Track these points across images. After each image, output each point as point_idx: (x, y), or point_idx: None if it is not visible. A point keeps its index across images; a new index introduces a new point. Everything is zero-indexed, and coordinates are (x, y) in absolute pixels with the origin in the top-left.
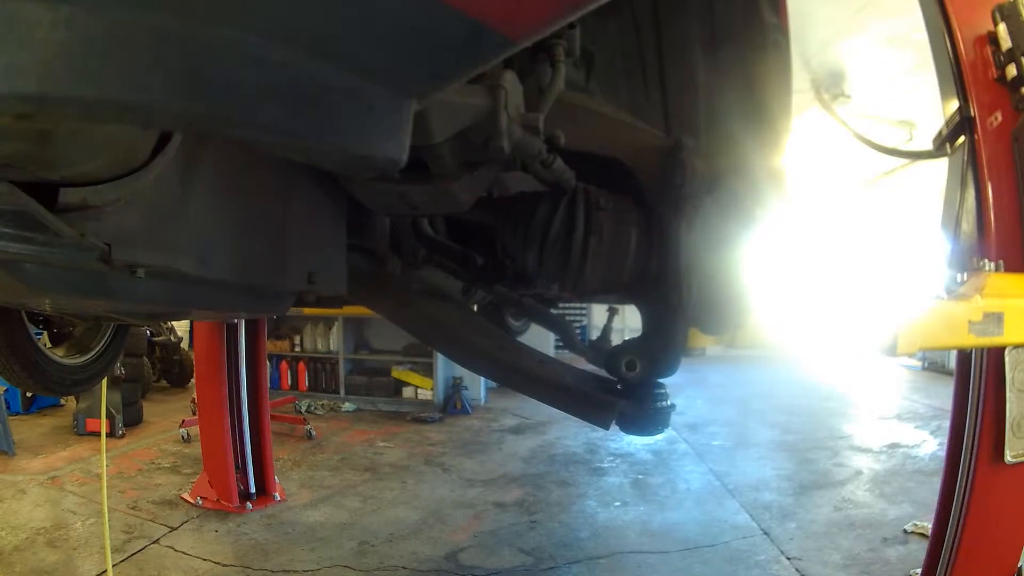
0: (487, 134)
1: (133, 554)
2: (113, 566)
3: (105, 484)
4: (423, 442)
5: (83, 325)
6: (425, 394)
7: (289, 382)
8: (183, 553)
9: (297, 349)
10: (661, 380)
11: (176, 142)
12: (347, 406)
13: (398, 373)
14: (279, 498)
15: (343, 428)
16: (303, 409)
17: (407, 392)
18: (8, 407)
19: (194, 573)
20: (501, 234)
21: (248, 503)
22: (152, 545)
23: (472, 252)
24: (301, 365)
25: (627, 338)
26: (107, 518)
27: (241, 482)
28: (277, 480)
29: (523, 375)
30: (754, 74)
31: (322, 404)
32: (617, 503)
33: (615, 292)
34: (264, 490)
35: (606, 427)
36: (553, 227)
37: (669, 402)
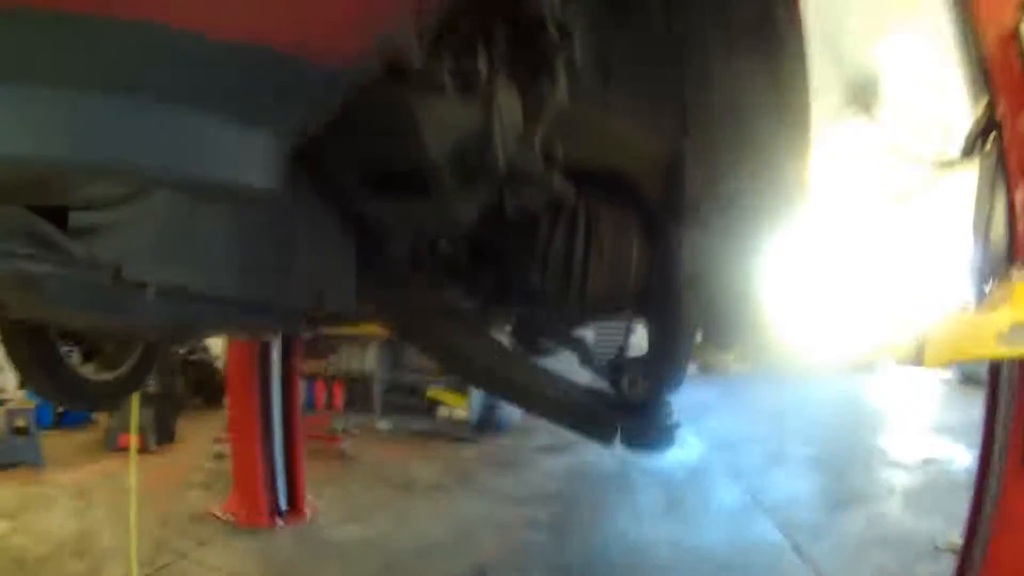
0: (482, 149)
1: (161, 567)
2: None
3: (135, 496)
4: (457, 460)
5: (114, 343)
6: (460, 413)
7: (325, 401)
8: (211, 568)
9: (333, 368)
10: (666, 396)
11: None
12: (382, 425)
13: (432, 392)
14: (310, 515)
15: (377, 446)
16: (338, 428)
17: (442, 411)
18: (39, 421)
19: None
20: (506, 253)
21: (279, 519)
22: (180, 560)
23: (485, 271)
24: (337, 384)
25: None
26: (135, 530)
27: (272, 499)
28: (309, 497)
29: (527, 392)
30: (772, 75)
31: (357, 423)
32: (650, 521)
33: (620, 307)
34: (295, 507)
35: (609, 444)
36: (553, 244)
37: (674, 419)
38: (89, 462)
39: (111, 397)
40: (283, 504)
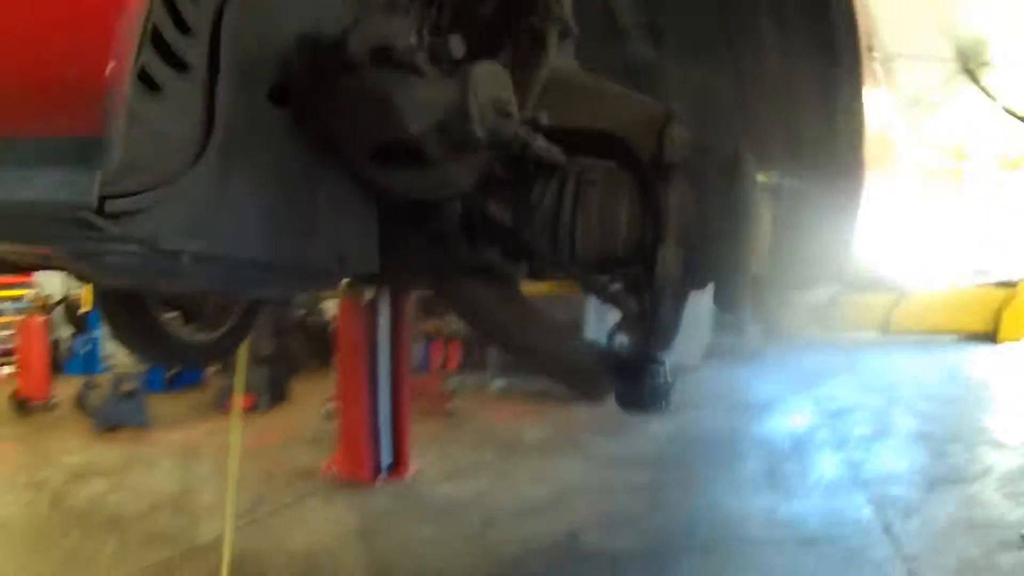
0: (461, 123)
1: (258, 519)
2: (236, 528)
3: (235, 450)
4: (565, 422)
5: (213, 306)
6: None
7: (441, 361)
8: (307, 521)
9: (450, 328)
10: (655, 357)
11: (209, 156)
12: (497, 384)
13: None
14: (412, 473)
15: (488, 407)
16: (452, 388)
17: None
18: (149, 385)
19: (313, 536)
20: (504, 216)
21: (381, 476)
22: (279, 512)
23: (492, 233)
24: (453, 344)
25: None
26: (233, 481)
27: (375, 456)
28: (413, 455)
29: (534, 350)
30: (824, 47)
31: (472, 383)
32: (746, 490)
33: (613, 267)
34: (398, 465)
35: (598, 401)
36: (542, 206)
37: (665, 379)
38: (197, 423)
39: (210, 357)
40: (386, 462)
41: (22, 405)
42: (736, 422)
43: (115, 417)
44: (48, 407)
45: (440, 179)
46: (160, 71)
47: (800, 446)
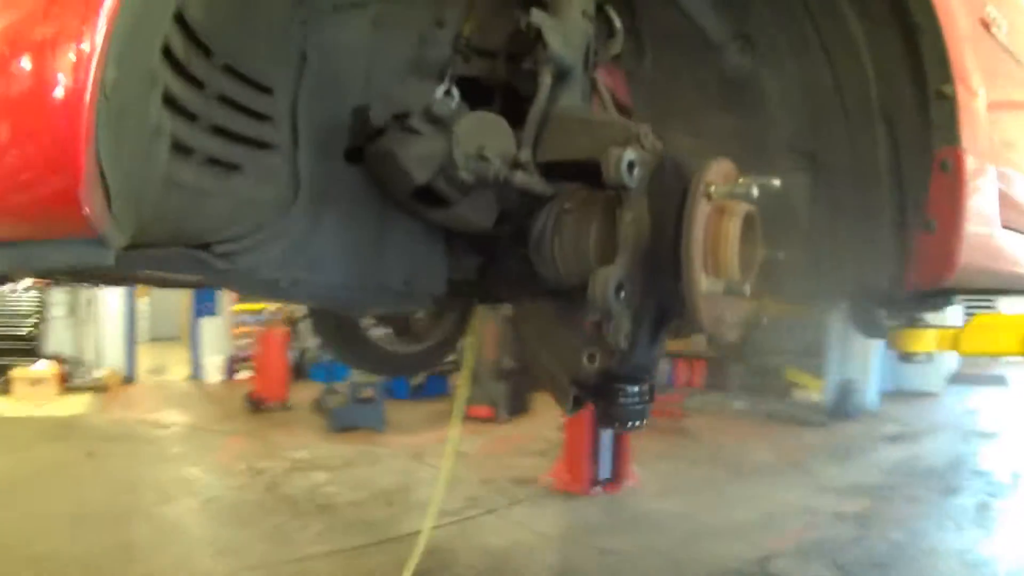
0: (451, 170)
1: (465, 518)
2: (439, 526)
3: (453, 449)
4: (796, 445)
5: (423, 321)
6: (814, 396)
7: (685, 379)
8: (512, 523)
9: (695, 347)
10: (623, 375)
11: (298, 209)
12: (737, 404)
13: (790, 373)
14: (630, 486)
15: (723, 426)
16: (693, 406)
17: (797, 393)
18: (392, 393)
19: (511, 538)
20: (517, 244)
21: (597, 488)
22: (486, 514)
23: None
24: (698, 363)
25: None
26: (443, 481)
27: (594, 468)
28: (635, 470)
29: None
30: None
31: (712, 402)
32: (952, 526)
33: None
34: (616, 477)
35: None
36: (531, 234)
37: (635, 399)
38: (431, 429)
39: (417, 367)
40: (605, 474)
41: (256, 404)
42: (960, 451)
43: (350, 419)
44: (284, 408)
45: (463, 214)
46: (236, 154)
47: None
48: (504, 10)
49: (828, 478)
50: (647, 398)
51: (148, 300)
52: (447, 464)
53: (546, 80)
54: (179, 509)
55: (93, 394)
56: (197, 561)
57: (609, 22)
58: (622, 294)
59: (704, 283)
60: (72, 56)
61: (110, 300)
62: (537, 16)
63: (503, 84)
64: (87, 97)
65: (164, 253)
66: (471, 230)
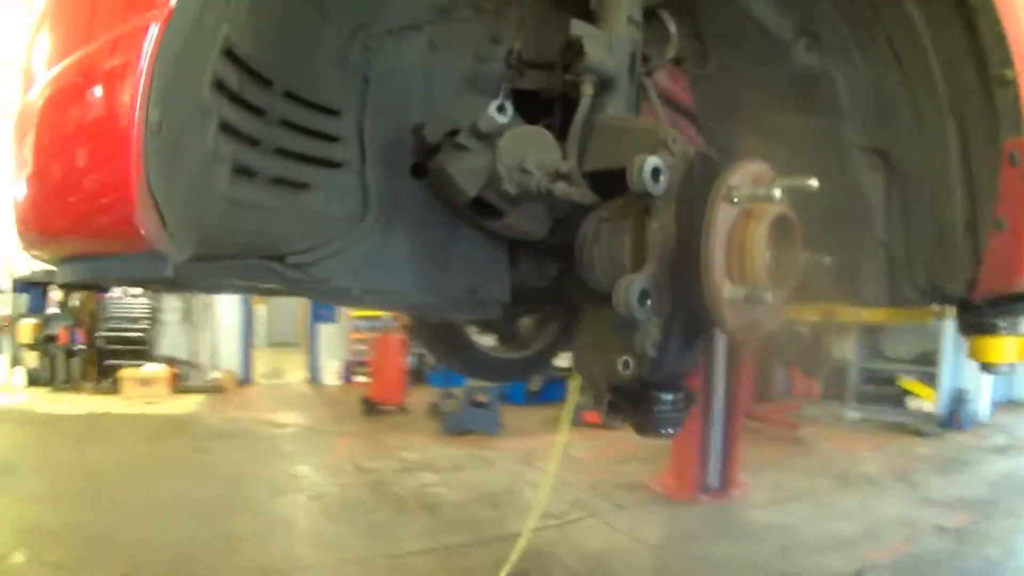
0: (496, 183)
1: (567, 522)
2: (541, 528)
3: (557, 454)
4: (906, 456)
5: (529, 328)
6: (927, 406)
7: (802, 387)
8: (613, 528)
9: None
10: (655, 381)
11: (368, 222)
12: (852, 415)
13: (904, 383)
14: (736, 495)
15: (837, 436)
16: (808, 415)
17: (911, 403)
18: (509, 398)
19: (611, 542)
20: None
21: (703, 496)
22: (589, 518)
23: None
24: None
25: None
26: (547, 484)
27: (701, 476)
28: (743, 479)
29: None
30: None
31: (828, 411)
32: None
33: None
34: (724, 486)
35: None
36: (576, 243)
37: (669, 408)
38: (545, 434)
39: (522, 373)
40: (712, 482)
41: (371, 407)
42: None
43: (464, 423)
44: (400, 411)
45: (515, 224)
46: (304, 173)
47: None
48: (557, 22)
49: (933, 490)
50: (682, 406)
51: (266, 307)
52: (551, 468)
53: (588, 90)
54: (284, 503)
55: (207, 395)
56: (296, 552)
57: (664, 26)
58: (648, 302)
59: (727, 290)
60: (118, 103)
61: (226, 306)
62: (577, 27)
63: (561, 95)
64: (134, 137)
65: (242, 264)
66: (527, 239)
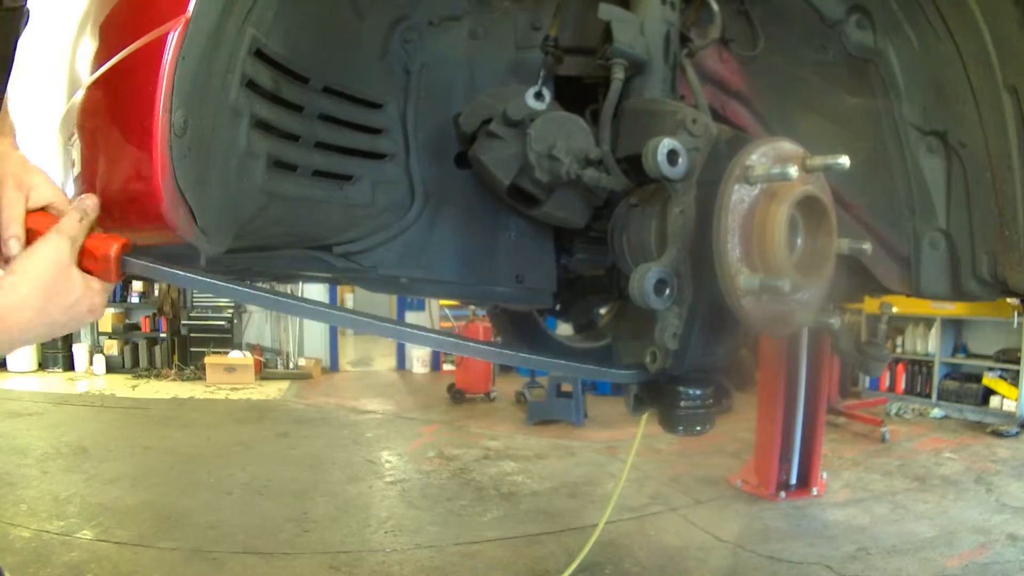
0: (528, 170)
1: (645, 515)
2: (618, 521)
3: (635, 446)
4: (986, 457)
5: (606, 318)
6: (1010, 405)
7: (887, 384)
8: (690, 523)
9: (899, 350)
10: (681, 374)
11: (414, 211)
12: (935, 412)
13: (988, 380)
14: (816, 493)
15: (920, 434)
16: (892, 412)
17: (994, 401)
18: (596, 388)
19: (686, 537)
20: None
21: (783, 493)
22: (667, 512)
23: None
24: (900, 367)
25: None
26: (624, 476)
27: (782, 473)
28: (823, 476)
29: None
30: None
31: (912, 408)
32: None
33: None
34: (804, 483)
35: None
36: (608, 230)
37: (697, 402)
38: (630, 425)
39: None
40: (792, 479)
41: (458, 396)
42: None
43: (548, 412)
44: (487, 399)
45: (552, 211)
46: (347, 165)
47: None
48: (594, 7)
49: (1009, 495)
50: (711, 402)
51: (353, 295)
52: (629, 460)
53: (618, 74)
54: (362, 488)
55: (292, 382)
56: (370, 536)
57: (707, 5)
58: (667, 291)
59: (743, 278)
60: (143, 107)
61: (312, 294)
62: (605, 10)
63: (604, 81)
64: (158, 138)
65: (290, 254)
66: (567, 226)
